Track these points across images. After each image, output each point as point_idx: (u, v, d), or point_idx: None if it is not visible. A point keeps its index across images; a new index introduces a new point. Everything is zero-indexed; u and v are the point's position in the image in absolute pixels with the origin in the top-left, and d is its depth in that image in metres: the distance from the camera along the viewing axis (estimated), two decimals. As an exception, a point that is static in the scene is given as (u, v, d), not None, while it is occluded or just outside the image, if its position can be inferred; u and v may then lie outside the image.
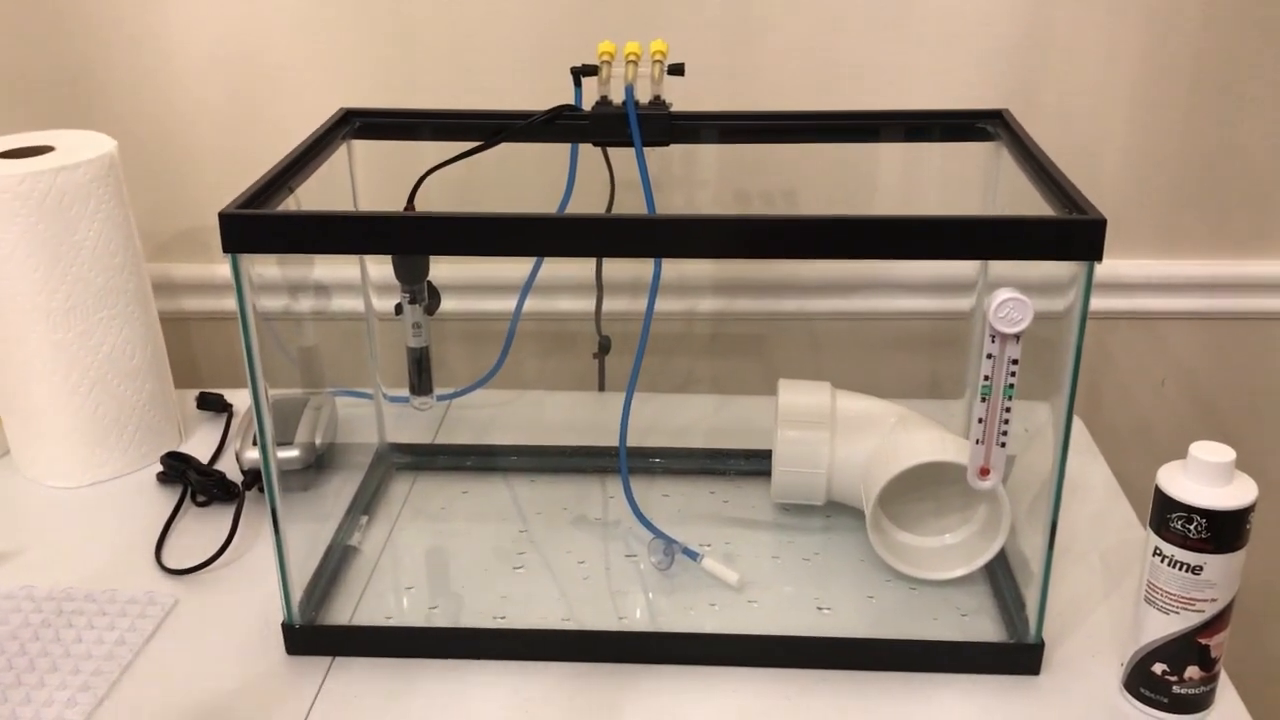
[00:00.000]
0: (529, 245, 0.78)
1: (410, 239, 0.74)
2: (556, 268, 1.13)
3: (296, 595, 0.82)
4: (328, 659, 0.82)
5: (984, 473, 0.77)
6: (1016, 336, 0.71)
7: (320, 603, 0.86)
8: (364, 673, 0.80)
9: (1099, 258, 0.68)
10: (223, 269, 1.21)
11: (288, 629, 0.82)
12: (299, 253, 0.73)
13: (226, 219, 0.70)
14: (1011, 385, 0.73)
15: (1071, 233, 0.68)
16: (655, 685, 0.79)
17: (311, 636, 0.82)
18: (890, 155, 1.13)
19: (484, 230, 0.70)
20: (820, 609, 0.86)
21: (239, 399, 1.15)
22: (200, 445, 1.08)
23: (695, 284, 1.18)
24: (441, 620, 0.86)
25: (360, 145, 0.93)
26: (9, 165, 0.93)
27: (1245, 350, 1.21)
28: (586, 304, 1.13)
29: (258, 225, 0.71)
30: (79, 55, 1.13)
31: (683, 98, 0.90)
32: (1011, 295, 0.70)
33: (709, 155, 1.13)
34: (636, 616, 0.86)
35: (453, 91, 1.12)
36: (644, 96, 0.89)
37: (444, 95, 1.12)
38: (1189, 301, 1.18)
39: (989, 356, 0.72)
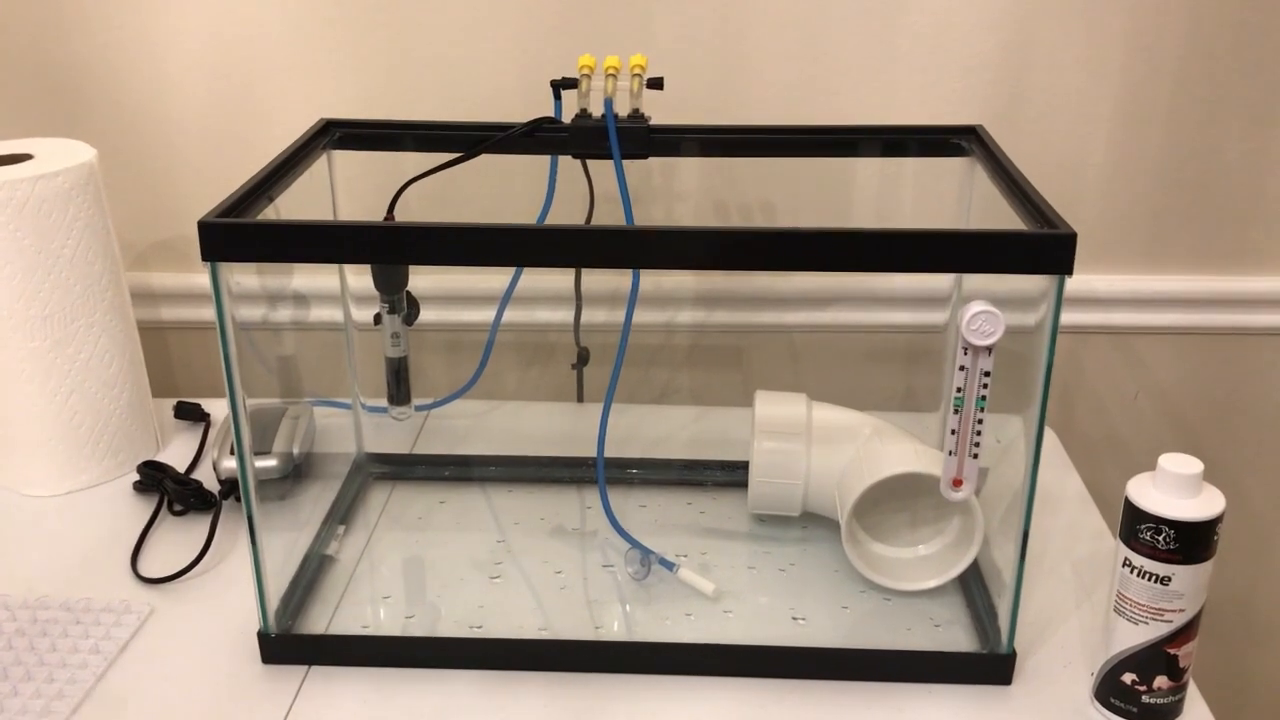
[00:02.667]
0: (508, 256, 0.78)
1: (389, 249, 0.74)
2: (535, 279, 1.13)
3: (273, 604, 0.82)
4: (303, 668, 0.82)
5: (957, 484, 0.78)
6: (988, 349, 0.72)
7: (296, 612, 0.86)
8: (340, 682, 0.80)
9: (1069, 272, 0.69)
10: (201, 278, 1.21)
11: (263, 638, 0.82)
12: (278, 262, 0.73)
13: (205, 228, 0.70)
14: (984, 397, 0.74)
15: (1042, 247, 0.69)
16: (631, 695, 0.80)
17: (287, 645, 0.82)
18: (867, 170, 1.14)
19: (463, 241, 0.71)
20: (795, 619, 0.87)
21: (216, 408, 1.15)
22: (177, 454, 1.08)
23: (673, 296, 1.19)
24: (418, 630, 0.86)
25: (340, 156, 0.94)
26: (-13, 173, 0.94)
27: (1217, 365, 1.22)
28: (565, 315, 1.14)
29: (237, 234, 0.71)
30: (59, 63, 1.13)
31: (663, 111, 0.90)
32: (983, 308, 0.71)
33: (688, 168, 1.14)
34: (613, 626, 0.86)
35: (433, 103, 1.13)
36: (623, 110, 0.89)
37: (425, 107, 1.12)
38: (1162, 316, 1.20)
39: (961, 369, 0.73)
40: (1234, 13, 1.08)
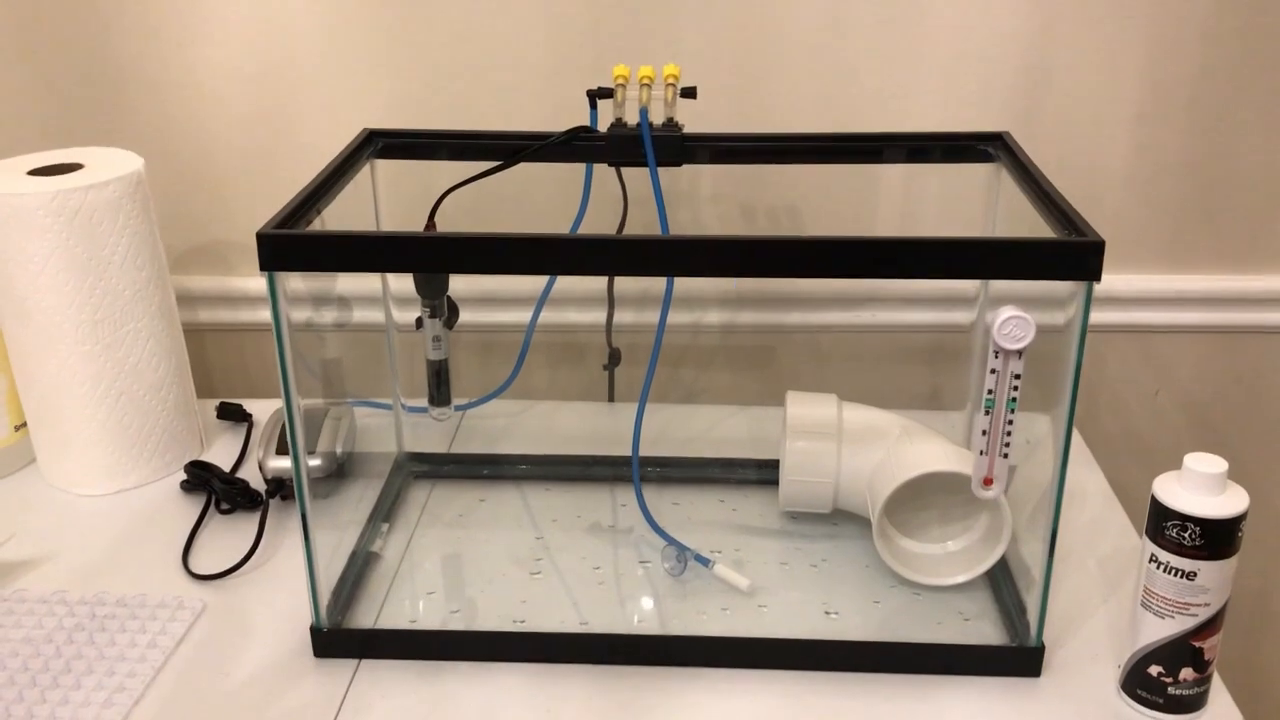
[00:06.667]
0: (549, 265, 0.80)
1: (437, 258, 0.77)
2: (568, 281, 1.15)
3: (324, 600, 0.84)
4: (354, 662, 0.85)
5: (987, 483, 0.80)
6: (1019, 352, 0.75)
7: (346, 607, 0.89)
8: (389, 675, 0.83)
9: (1098, 278, 0.71)
10: (238, 282, 1.24)
11: (316, 632, 0.85)
12: (332, 271, 0.76)
13: (264, 239, 0.72)
14: (1014, 399, 0.76)
15: (1071, 254, 0.71)
16: (671, 686, 0.82)
17: (339, 639, 0.85)
18: (894, 176, 1.16)
19: (513, 251, 0.73)
20: (828, 613, 0.89)
21: (256, 409, 1.18)
22: (220, 454, 1.11)
23: (702, 297, 1.22)
24: (463, 624, 0.88)
25: (382, 164, 0.96)
26: (41, 183, 0.96)
27: (1236, 363, 1.24)
28: (595, 316, 1.16)
29: (294, 245, 0.74)
30: (102, 71, 1.15)
31: (687, 120, 0.93)
32: (1014, 313, 0.74)
33: (716, 174, 1.16)
34: (652, 621, 0.89)
35: (466, 111, 1.15)
36: (657, 118, 0.92)
37: (457, 115, 1.15)
38: (1182, 315, 1.22)
39: (992, 372, 0.76)
40: (1252, 15, 1.10)
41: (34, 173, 0.99)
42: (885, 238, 0.72)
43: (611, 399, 1.20)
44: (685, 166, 1.03)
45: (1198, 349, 1.24)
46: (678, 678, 0.83)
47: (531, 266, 0.77)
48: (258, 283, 1.24)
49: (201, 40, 1.14)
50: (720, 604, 0.90)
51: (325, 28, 1.13)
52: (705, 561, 0.93)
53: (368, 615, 0.89)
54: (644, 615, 0.89)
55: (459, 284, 1.03)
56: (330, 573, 0.89)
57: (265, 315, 1.25)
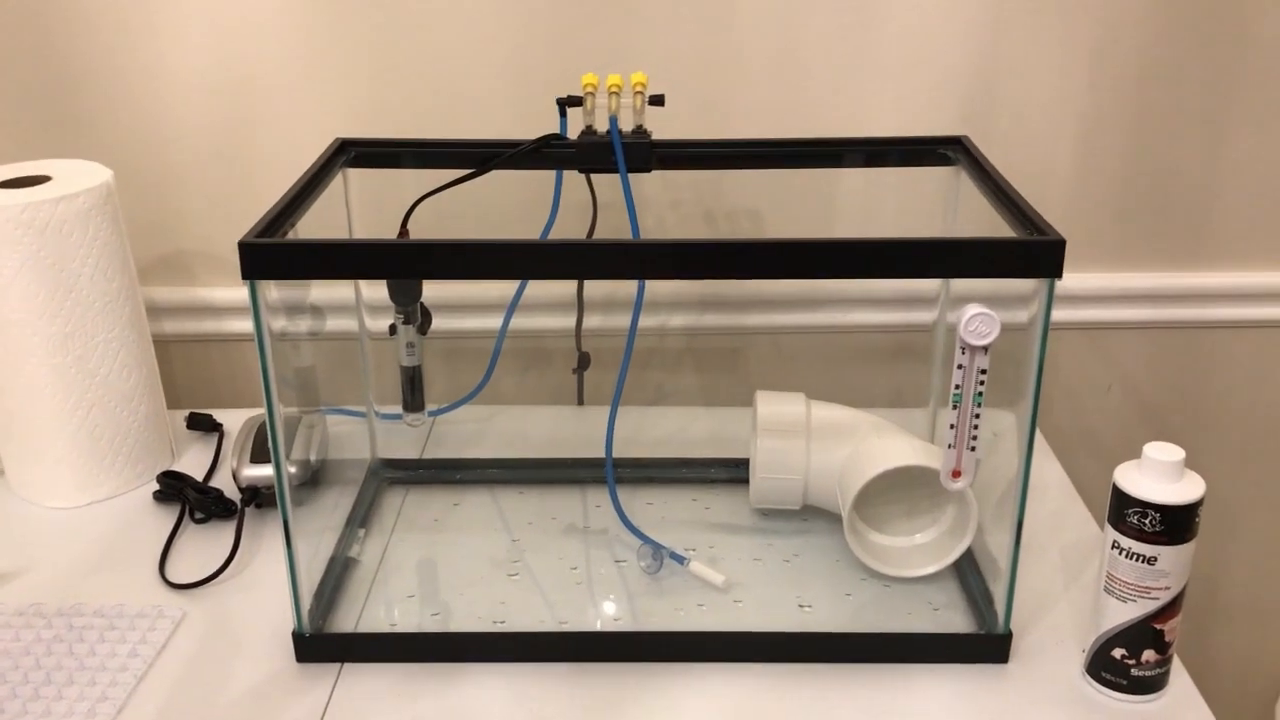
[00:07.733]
0: (524, 270, 0.82)
1: (415, 265, 0.78)
2: (536, 286, 1.17)
3: (305, 605, 0.85)
4: (336, 666, 0.85)
5: (956, 475, 0.83)
6: (985, 348, 0.77)
7: (326, 612, 0.89)
8: (372, 678, 0.84)
9: (1059, 275, 0.74)
10: (203, 292, 1.24)
11: (298, 637, 0.85)
12: (312, 278, 0.76)
13: (246, 248, 0.73)
14: (980, 393, 0.79)
15: (1034, 252, 0.74)
16: (650, 682, 0.84)
17: (321, 644, 0.86)
18: (856, 179, 1.19)
19: (492, 257, 0.75)
20: (801, 606, 0.91)
21: (225, 419, 1.18)
22: (191, 464, 1.11)
23: (667, 300, 1.23)
24: (443, 626, 0.89)
25: (353, 173, 0.97)
26: (10, 195, 0.96)
27: (1184, 357, 1.28)
28: (563, 320, 1.18)
29: (275, 254, 0.74)
30: (65, 82, 1.15)
31: (654, 125, 0.94)
32: (980, 310, 0.76)
33: (681, 179, 1.18)
34: (630, 618, 0.91)
35: (431, 120, 1.16)
36: (626, 126, 0.93)
37: (422, 123, 1.16)
38: (1132, 312, 1.26)
39: (959, 367, 0.78)
40: (1190, 28, 1.14)
41: (1, 185, 0.99)
42: (859, 239, 0.74)
43: (581, 402, 1.22)
44: (650, 172, 1.05)
45: (1147, 344, 1.28)
46: (657, 673, 0.85)
47: (507, 271, 0.79)
48: (223, 293, 1.24)
49: (166, 51, 1.14)
50: (696, 600, 0.92)
51: (290, 39, 1.13)
52: (680, 559, 0.95)
53: (348, 620, 0.89)
54: (622, 613, 0.91)
55: (429, 290, 1.04)
56: (310, 579, 0.90)
57: (230, 325, 1.25)
